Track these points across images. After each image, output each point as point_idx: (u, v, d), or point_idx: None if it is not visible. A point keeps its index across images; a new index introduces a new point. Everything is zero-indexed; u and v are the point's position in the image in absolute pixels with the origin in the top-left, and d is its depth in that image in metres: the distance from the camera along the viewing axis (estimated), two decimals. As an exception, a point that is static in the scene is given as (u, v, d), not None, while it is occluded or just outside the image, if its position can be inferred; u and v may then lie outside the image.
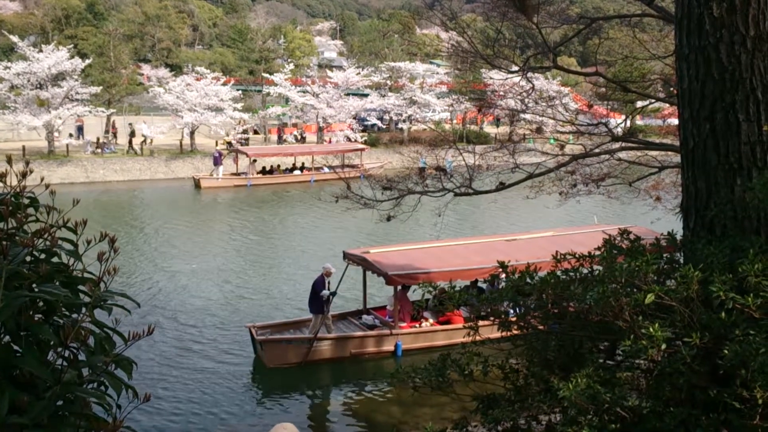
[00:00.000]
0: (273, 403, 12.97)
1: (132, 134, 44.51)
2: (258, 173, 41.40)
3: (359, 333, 14.84)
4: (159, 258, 22.98)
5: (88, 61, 41.87)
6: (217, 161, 40.29)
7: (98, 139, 43.68)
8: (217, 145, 45.13)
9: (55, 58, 39.69)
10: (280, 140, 51.99)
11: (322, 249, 23.01)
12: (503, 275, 6.29)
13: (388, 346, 14.61)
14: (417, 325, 15.15)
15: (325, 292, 14.25)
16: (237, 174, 41.09)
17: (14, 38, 41.94)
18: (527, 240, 16.29)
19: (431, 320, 15.34)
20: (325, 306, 14.29)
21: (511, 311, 6.39)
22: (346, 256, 15.34)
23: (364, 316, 15.74)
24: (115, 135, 46.70)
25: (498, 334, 6.54)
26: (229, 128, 46.99)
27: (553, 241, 14.01)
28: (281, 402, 12.98)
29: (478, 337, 6.58)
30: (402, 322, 14.88)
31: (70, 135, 44.30)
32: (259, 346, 14.06)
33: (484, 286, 15.45)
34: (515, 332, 6.39)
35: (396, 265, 14.24)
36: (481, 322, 6.76)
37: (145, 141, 45.68)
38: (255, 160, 40.77)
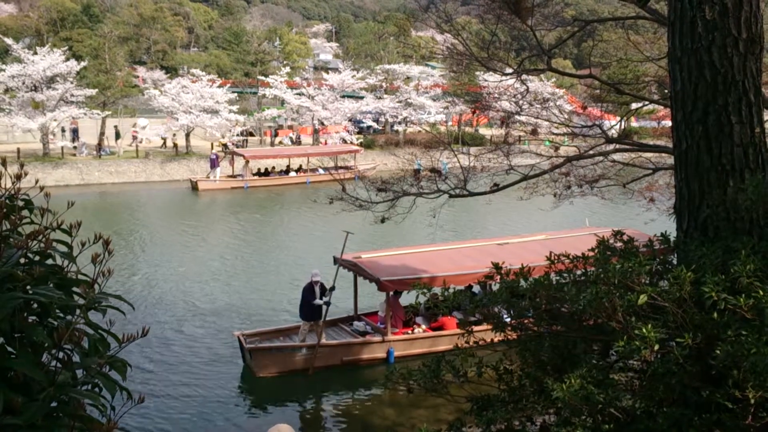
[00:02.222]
0: (264, 409, 12.80)
1: (116, 136, 44.59)
2: (254, 175, 41.42)
3: (351, 340, 14.59)
4: (154, 261, 22.93)
5: (83, 64, 41.79)
6: (214, 163, 40.29)
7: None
8: (212, 147, 45.13)
9: (50, 60, 39.61)
10: (273, 143, 51.97)
11: (316, 252, 22.85)
12: (497, 277, 6.31)
13: (381, 353, 14.37)
14: (409, 331, 14.92)
15: (318, 302, 13.98)
16: (233, 176, 41.09)
17: (8, 41, 41.89)
18: (519, 243, 16.13)
19: (424, 326, 15.15)
20: (318, 313, 14.07)
21: (505, 313, 6.41)
22: (337, 261, 15.06)
23: (356, 323, 15.43)
24: (134, 137, 46.80)
25: (492, 338, 6.56)
26: (225, 130, 46.99)
27: (545, 245, 13.96)
28: (272, 408, 12.80)
29: (472, 341, 6.60)
30: (394, 329, 14.66)
31: (63, 130, 44.24)
32: (248, 355, 13.72)
33: (477, 290, 15.44)
34: (509, 334, 6.42)
35: (388, 270, 14.00)
36: (475, 327, 6.77)
37: (165, 143, 46.08)
38: (248, 162, 40.79)
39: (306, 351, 13.82)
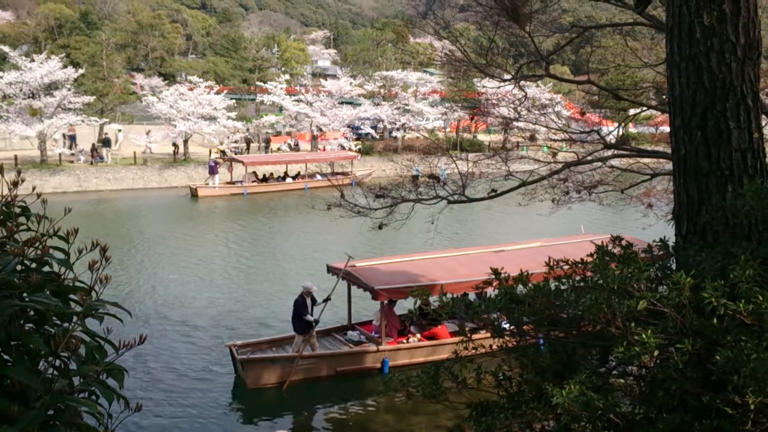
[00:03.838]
0: (261, 418, 12.62)
1: (105, 143, 44.31)
2: (252, 181, 41.48)
3: (345, 350, 14.34)
4: (151, 268, 22.90)
5: (81, 71, 41.80)
6: (213, 170, 40.28)
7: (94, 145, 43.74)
8: (210, 153, 45.13)
9: (47, 67, 39.63)
10: (267, 150, 51.84)
11: (313, 260, 22.69)
12: (495, 282, 6.30)
13: (375, 363, 14.14)
14: (404, 341, 14.71)
15: (309, 318, 13.71)
16: (232, 183, 41.11)
17: (5, 48, 41.94)
18: (515, 251, 15.95)
19: (418, 335, 14.94)
20: (310, 326, 13.80)
21: (504, 320, 6.38)
22: (331, 270, 14.79)
23: (350, 332, 15.19)
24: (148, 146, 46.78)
25: (491, 344, 6.54)
26: (223, 137, 47.00)
27: (540, 252, 13.84)
28: (269, 417, 12.62)
29: (471, 348, 6.58)
30: (389, 338, 14.47)
31: (64, 136, 44.27)
32: (240, 366, 13.47)
33: (473, 298, 15.31)
34: (509, 340, 6.40)
35: (382, 279, 13.80)
36: (473, 335, 6.75)
37: (177, 150, 45.92)
38: (254, 171, 41.02)
39: (299, 362, 13.51)
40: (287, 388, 13.10)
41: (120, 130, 46.98)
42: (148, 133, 46.70)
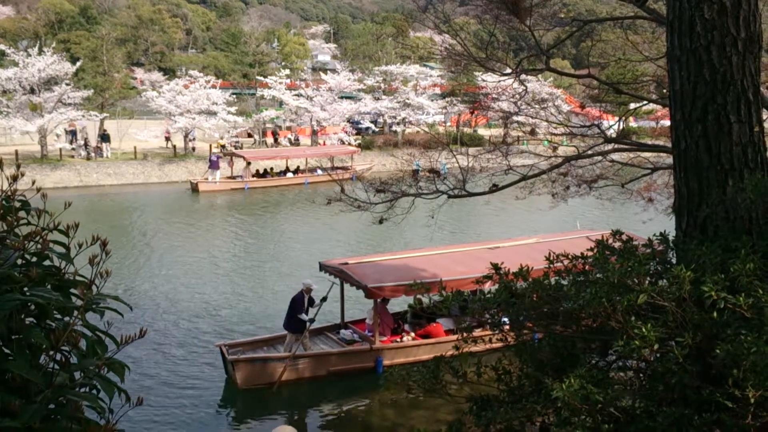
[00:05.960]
0: (250, 422, 12.44)
1: (104, 138, 44.04)
2: (252, 176, 41.44)
3: (338, 349, 14.13)
4: (151, 263, 22.89)
5: (78, 65, 41.70)
6: (214, 165, 40.20)
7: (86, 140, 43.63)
8: (211, 148, 45.04)
9: (43, 62, 39.52)
10: (276, 143, 51.93)
11: (309, 257, 22.48)
12: (496, 278, 6.30)
13: (369, 362, 13.95)
14: (398, 340, 14.51)
15: (304, 317, 13.50)
16: (233, 177, 41.07)
17: (2, 46, 41.88)
18: (510, 247, 15.70)
19: (412, 334, 14.75)
20: (303, 326, 13.58)
21: (504, 316, 6.38)
22: (324, 268, 14.60)
23: (342, 331, 14.94)
24: (168, 139, 46.45)
25: (491, 337, 6.54)
26: (224, 131, 46.91)
27: (536, 249, 13.69)
28: (259, 420, 12.40)
29: (470, 343, 6.59)
30: (382, 337, 14.26)
31: (65, 131, 44.16)
32: (230, 366, 13.19)
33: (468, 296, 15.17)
34: (508, 335, 6.41)
35: (375, 276, 13.56)
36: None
37: (186, 143, 45.44)
38: (250, 163, 40.90)
39: (291, 361, 13.34)
40: (277, 388, 12.99)
41: (84, 128, 45.52)
42: (168, 125, 46.48)
